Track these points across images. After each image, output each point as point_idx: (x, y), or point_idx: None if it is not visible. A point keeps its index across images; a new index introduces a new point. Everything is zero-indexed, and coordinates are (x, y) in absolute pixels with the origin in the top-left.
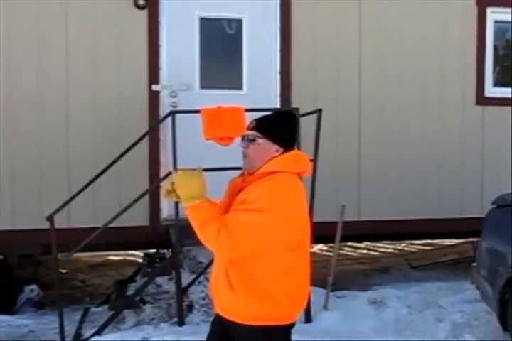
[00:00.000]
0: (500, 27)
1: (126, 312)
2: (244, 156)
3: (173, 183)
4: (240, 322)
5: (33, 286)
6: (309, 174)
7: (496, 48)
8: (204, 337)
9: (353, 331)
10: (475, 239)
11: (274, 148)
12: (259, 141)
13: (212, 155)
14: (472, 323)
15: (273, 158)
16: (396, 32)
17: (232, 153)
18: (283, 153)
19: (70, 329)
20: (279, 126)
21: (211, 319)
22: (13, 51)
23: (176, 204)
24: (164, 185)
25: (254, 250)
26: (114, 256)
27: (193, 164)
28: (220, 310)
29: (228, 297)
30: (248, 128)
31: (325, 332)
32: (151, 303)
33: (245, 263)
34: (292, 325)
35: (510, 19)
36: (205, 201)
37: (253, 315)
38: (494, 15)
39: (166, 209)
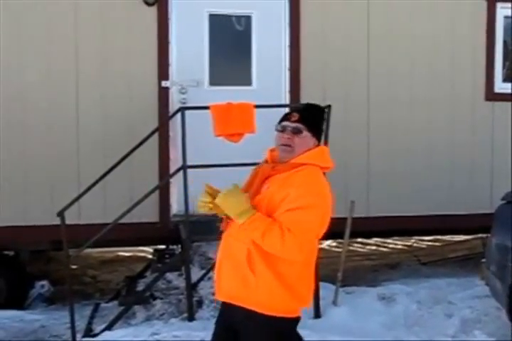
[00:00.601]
0: (510, 22)
1: (136, 307)
2: (285, 146)
3: (210, 197)
4: (259, 311)
5: (44, 282)
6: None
7: (505, 44)
8: None
9: (361, 326)
10: (484, 235)
11: (312, 141)
12: (304, 133)
13: (222, 151)
14: (482, 319)
15: (305, 152)
16: (405, 28)
17: (241, 150)
18: (315, 147)
19: (80, 325)
20: (319, 121)
21: None
22: (23, 48)
23: (186, 200)
24: (200, 198)
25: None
26: (124, 252)
27: (202, 161)
28: (234, 299)
29: (249, 286)
30: (292, 120)
31: (334, 327)
32: (161, 299)
33: (273, 255)
34: (299, 320)
35: None
36: (254, 212)
37: (274, 306)
38: (504, 10)
39: (176, 205)
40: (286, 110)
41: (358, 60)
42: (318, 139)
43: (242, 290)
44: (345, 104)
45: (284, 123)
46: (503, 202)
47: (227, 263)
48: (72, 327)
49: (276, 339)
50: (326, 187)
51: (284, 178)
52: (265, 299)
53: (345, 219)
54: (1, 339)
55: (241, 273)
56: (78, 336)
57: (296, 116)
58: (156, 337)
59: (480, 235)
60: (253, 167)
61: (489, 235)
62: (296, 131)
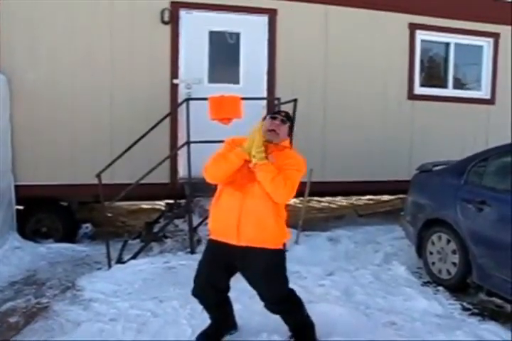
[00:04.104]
0: (426, 46)
1: (153, 244)
2: (274, 131)
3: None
4: (272, 247)
5: (88, 224)
6: None
7: (422, 61)
8: None
9: (315, 259)
10: (402, 196)
11: (287, 133)
12: (287, 125)
13: (215, 131)
14: (398, 253)
15: (285, 139)
16: (354, 48)
17: (230, 130)
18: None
19: (113, 255)
20: (292, 124)
21: None
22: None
23: (189, 167)
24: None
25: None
26: (145, 205)
27: (201, 138)
28: (260, 237)
29: (268, 230)
30: (282, 115)
31: (296, 259)
32: (171, 238)
33: (279, 207)
34: None
35: (432, 39)
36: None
37: (280, 242)
38: (421, 35)
39: (182, 171)
40: (264, 102)
41: (318, 66)
42: (290, 135)
43: (261, 235)
44: (308, 99)
45: (276, 115)
46: (417, 171)
47: (249, 217)
48: (108, 256)
49: (281, 265)
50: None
51: (282, 153)
52: (277, 238)
53: (305, 183)
54: (60, 262)
55: (263, 222)
56: (112, 262)
57: (283, 113)
58: (167, 264)
59: (399, 196)
60: None
61: (406, 195)
62: (284, 121)
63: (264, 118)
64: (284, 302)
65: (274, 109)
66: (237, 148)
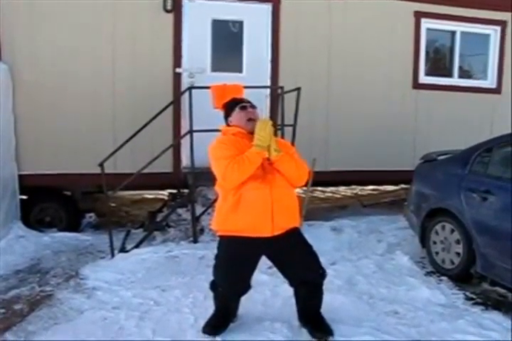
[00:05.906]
0: (431, 34)
1: (156, 233)
2: (254, 120)
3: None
4: (298, 225)
5: (92, 214)
6: None
7: (427, 52)
8: (211, 252)
9: (319, 249)
10: (405, 186)
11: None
12: (256, 109)
13: (218, 120)
14: (401, 243)
15: None
16: (358, 36)
17: None
18: None
19: (117, 244)
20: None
21: (217, 239)
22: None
23: (192, 156)
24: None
25: None
26: (148, 195)
27: (204, 127)
28: (290, 223)
29: (296, 214)
30: (245, 101)
31: None
32: (174, 227)
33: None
34: None
35: (437, 27)
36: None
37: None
38: (426, 24)
39: (185, 160)
40: (267, 90)
41: (320, 55)
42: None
43: (292, 220)
44: (311, 86)
45: (242, 104)
46: (421, 161)
47: (280, 207)
48: (111, 245)
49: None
50: None
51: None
52: (299, 218)
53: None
54: (63, 251)
55: (292, 209)
56: (115, 252)
57: (244, 99)
58: (170, 253)
59: (402, 186)
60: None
61: (410, 185)
62: (254, 107)
63: (230, 111)
64: (323, 274)
65: (277, 98)
66: (252, 148)
